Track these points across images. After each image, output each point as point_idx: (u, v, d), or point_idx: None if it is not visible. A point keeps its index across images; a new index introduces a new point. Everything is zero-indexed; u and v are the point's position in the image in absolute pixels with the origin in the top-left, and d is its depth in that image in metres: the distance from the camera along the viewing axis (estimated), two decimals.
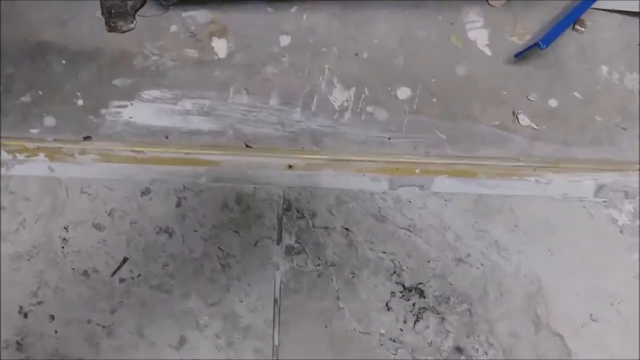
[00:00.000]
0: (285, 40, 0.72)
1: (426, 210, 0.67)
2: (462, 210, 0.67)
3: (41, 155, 0.71)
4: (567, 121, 0.70)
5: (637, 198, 0.68)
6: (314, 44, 0.72)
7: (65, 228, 0.66)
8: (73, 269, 0.64)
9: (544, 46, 0.67)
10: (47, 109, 0.70)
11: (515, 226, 0.67)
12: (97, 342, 0.60)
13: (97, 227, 0.66)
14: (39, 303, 0.62)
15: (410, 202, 0.68)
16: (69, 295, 0.62)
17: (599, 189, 0.68)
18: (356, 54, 0.72)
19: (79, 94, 0.70)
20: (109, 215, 0.67)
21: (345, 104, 0.70)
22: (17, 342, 0.60)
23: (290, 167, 0.69)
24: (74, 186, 0.68)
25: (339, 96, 0.71)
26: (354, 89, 0.71)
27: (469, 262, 0.64)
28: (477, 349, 0.61)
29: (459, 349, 0.61)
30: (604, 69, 0.71)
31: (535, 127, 0.70)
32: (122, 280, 0.63)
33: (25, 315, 0.61)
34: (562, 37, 0.71)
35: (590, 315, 0.61)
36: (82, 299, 0.62)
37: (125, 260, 0.65)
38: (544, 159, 0.69)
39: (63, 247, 0.65)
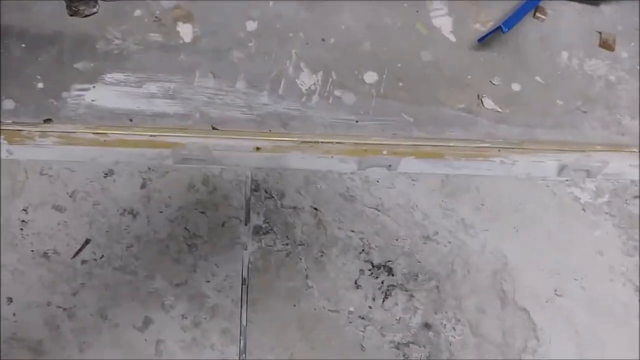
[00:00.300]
0: (251, 25, 0.74)
1: (394, 190, 0.69)
2: (429, 189, 0.70)
3: None
4: (530, 104, 0.74)
5: (598, 177, 0.71)
6: (280, 29, 0.74)
7: (25, 210, 0.65)
8: (32, 250, 0.63)
9: (506, 29, 0.70)
10: (6, 93, 0.70)
11: (482, 205, 0.69)
12: (57, 324, 0.60)
13: (58, 208, 0.66)
14: None
15: (378, 182, 0.70)
16: (28, 278, 0.62)
17: (562, 169, 0.71)
18: (323, 40, 0.74)
19: (39, 77, 0.71)
20: (70, 196, 0.67)
21: (313, 87, 0.72)
22: None
23: (257, 149, 0.71)
24: (34, 168, 0.68)
25: (307, 80, 0.73)
26: (321, 73, 0.73)
27: (436, 240, 0.66)
28: (444, 325, 0.62)
29: (427, 325, 0.62)
30: (564, 54, 0.75)
31: (500, 110, 0.73)
32: (84, 262, 0.63)
33: None
34: (524, 25, 0.75)
35: (555, 290, 0.64)
36: (42, 281, 0.62)
37: (87, 241, 0.64)
38: (508, 140, 0.72)
39: (22, 229, 0.64)
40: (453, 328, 0.66)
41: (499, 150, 0.74)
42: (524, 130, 0.75)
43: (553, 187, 0.74)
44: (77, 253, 0.67)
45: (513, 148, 0.74)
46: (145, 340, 0.62)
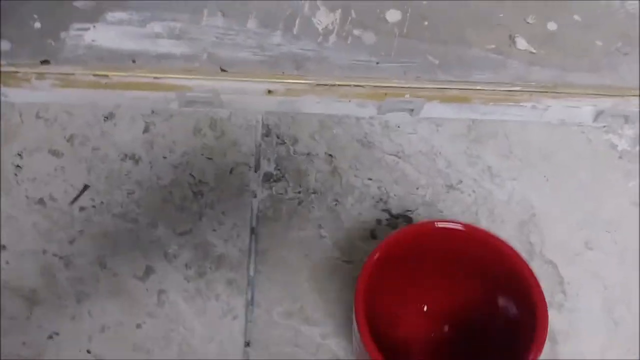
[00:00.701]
0: None
1: (416, 136, 0.65)
2: (454, 135, 0.65)
3: None
4: (566, 45, 0.69)
5: (637, 123, 0.65)
6: None
7: (19, 155, 0.62)
8: (27, 197, 0.60)
9: None
10: (2, 32, 0.66)
11: (510, 152, 0.64)
12: (53, 273, 0.56)
13: (55, 153, 0.62)
14: None
15: (398, 127, 0.65)
16: (23, 225, 0.58)
17: (598, 114, 0.67)
18: None
19: (35, 16, 0.67)
20: (67, 141, 0.63)
21: (330, 27, 0.67)
22: None
23: (269, 92, 0.66)
24: (29, 111, 0.65)
25: (323, 19, 0.68)
26: (339, 11, 0.68)
27: (460, 189, 0.62)
28: None
29: None
30: None
31: (533, 51, 0.68)
32: (82, 209, 0.59)
33: None
34: None
35: (586, 243, 0.59)
36: (37, 228, 0.58)
37: (85, 187, 0.61)
38: (541, 84, 0.67)
39: (16, 175, 0.61)
40: None
41: (531, 95, 0.69)
42: (558, 73, 0.70)
43: (588, 133, 0.68)
44: (75, 199, 0.64)
45: (546, 92, 0.69)
46: (147, 290, 0.59)
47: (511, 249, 0.46)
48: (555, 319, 0.59)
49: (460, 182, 0.65)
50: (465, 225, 0.48)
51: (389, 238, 0.47)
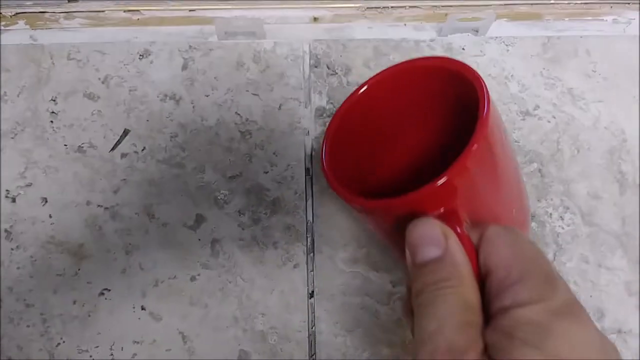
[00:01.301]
0: None
1: (484, 58, 0.58)
2: (527, 55, 0.58)
3: (21, 23, 0.63)
4: None
5: None
6: None
7: (53, 100, 0.57)
8: (65, 145, 0.55)
9: None
10: None
11: (593, 71, 0.57)
12: (99, 225, 0.52)
13: (90, 96, 0.57)
14: (28, 185, 0.54)
15: (463, 49, 0.58)
16: (63, 175, 0.54)
17: None
18: None
19: None
20: (103, 82, 0.58)
21: None
22: (6, 231, 0.52)
23: (315, 19, 0.60)
24: (60, 52, 0.60)
25: None
26: None
27: (537, 115, 0.55)
28: (550, 214, 0.52)
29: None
30: None
31: None
32: (124, 155, 0.55)
33: (14, 200, 0.53)
34: None
35: None
36: (78, 178, 0.54)
37: (126, 132, 0.56)
38: None
39: (52, 122, 0.56)
40: (561, 217, 0.55)
41: (611, 7, 0.61)
42: None
43: None
44: (115, 146, 0.59)
45: (629, 3, 0.61)
46: (199, 239, 0.55)
47: (474, 73, 0.38)
48: None
49: (538, 107, 0.58)
50: (439, 58, 0.41)
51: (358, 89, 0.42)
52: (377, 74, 0.43)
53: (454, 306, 0.26)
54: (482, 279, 0.30)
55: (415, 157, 0.48)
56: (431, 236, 0.29)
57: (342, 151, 0.42)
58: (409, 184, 0.35)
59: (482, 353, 0.25)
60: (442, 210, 0.33)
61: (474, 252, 0.31)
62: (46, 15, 0.64)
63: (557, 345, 0.23)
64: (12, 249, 0.56)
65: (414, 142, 0.47)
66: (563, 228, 0.56)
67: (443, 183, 0.31)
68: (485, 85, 0.35)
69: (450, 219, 0.32)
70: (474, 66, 0.37)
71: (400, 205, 0.33)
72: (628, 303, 0.54)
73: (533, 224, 0.56)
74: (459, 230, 0.32)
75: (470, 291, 0.27)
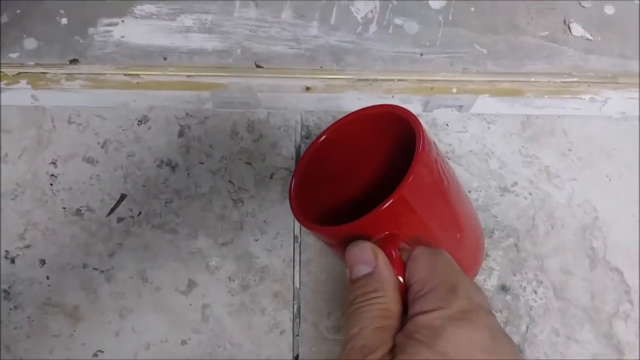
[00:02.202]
0: None
1: (466, 135, 0.62)
2: (507, 133, 0.62)
3: (23, 82, 0.66)
4: (626, 30, 0.64)
5: None
6: None
7: (53, 163, 0.60)
8: (64, 208, 0.58)
9: None
10: (27, 30, 0.64)
11: (569, 150, 0.61)
12: (94, 288, 0.56)
13: (89, 160, 0.61)
14: (27, 247, 0.57)
15: (447, 125, 0.62)
16: (61, 238, 0.57)
17: None
18: None
19: (62, 11, 0.65)
20: (102, 147, 0.61)
21: (370, 15, 0.64)
22: (5, 291, 0.55)
23: (307, 89, 0.64)
24: (61, 115, 0.63)
25: (362, 7, 0.65)
26: None
27: (515, 191, 0.59)
28: (524, 287, 0.56)
29: (504, 288, 0.56)
30: None
31: (590, 37, 0.64)
32: (120, 220, 0.58)
33: (12, 261, 0.56)
34: None
35: None
36: (76, 241, 0.57)
37: (123, 197, 0.60)
38: (599, 74, 0.63)
39: (51, 184, 0.59)
40: (534, 291, 0.59)
41: (589, 86, 0.65)
42: (618, 62, 0.66)
43: None
44: (112, 210, 0.63)
45: (606, 83, 0.65)
46: (190, 304, 0.58)
47: (411, 115, 0.44)
48: (621, 330, 0.58)
49: (516, 183, 0.62)
50: (384, 106, 0.47)
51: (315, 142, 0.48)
52: (333, 124, 0.49)
53: (375, 314, 0.31)
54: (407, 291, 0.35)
55: (371, 190, 0.53)
56: (363, 256, 0.34)
57: (308, 189, 0.47)
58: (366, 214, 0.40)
59: (389, 352, 0.29)
60: (384, 234, 0.38)
61: (403, 269, 0.36)
62: (48, 75, 0.67)
63: (445, 345, 0.27)
64: (10, 309, 0.59)
65: (370, 176, 0.52)
66: (536, 301, 0.60)
67: (382, 211, 0.36)
68: (422, 126, 0.40)
69: (389, 241, 0.37)
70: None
71: (346, 231, 0.38)
72: None
73: (507, 297, 0.60)
74: (393, 252, 0.36)
75: (392, 301, 0.32)
